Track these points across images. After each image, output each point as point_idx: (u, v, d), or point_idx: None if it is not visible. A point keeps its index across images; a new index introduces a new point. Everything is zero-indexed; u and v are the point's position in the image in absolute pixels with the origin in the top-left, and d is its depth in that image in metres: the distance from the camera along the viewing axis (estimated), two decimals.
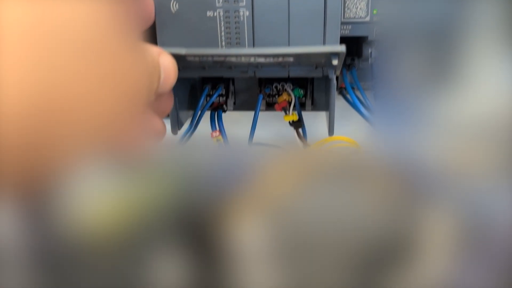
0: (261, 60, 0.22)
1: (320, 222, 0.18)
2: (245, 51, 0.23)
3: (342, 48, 0.21)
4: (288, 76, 0.26)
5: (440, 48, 0.23)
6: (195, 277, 0.17)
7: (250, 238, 0.17)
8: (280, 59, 0.22)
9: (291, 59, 0.23)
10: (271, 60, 0.23)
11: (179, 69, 0.26)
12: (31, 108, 0.11)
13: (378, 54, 0.29)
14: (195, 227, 0.17)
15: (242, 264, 0.17)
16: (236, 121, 0.36)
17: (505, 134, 0.19)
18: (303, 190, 0.21)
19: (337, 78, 0.27)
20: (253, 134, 0.31)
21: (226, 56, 0.22)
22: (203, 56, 0.22)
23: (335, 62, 0.21)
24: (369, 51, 0.30)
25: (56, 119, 0.12)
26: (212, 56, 0.22)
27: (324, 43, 0.24)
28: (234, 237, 0.17)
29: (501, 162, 0.18)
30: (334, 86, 0.25)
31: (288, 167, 0.20)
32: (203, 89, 0.31)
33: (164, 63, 0.20)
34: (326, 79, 0.31)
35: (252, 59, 0.22)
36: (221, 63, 0.24)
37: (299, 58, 0.23)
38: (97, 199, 0.16)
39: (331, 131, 0.27)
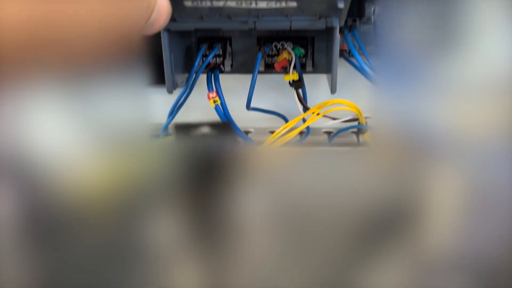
0: (263, 5, 0.21)
1: (321, 189, 0.18)
2: None
3: None
4: (290, 27, 0.24)
5: (446, 7, 0.23)
6: (191, 242, 0.16)
7: (248, 205, 0.16)
8: (283, 4, 0.21)
9: (294, 4, 0.21)
10: (273, 5, 0.21)
11: (175, 20, 0.25)
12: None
13: (382, 11, 0.28)
14: (192, 193, 0.16)
15: (240, 230, 0.16)
16: (234, 84, 0.34)
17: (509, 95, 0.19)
18: (304, 157, 0.20)
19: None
20: (251, 96, 0.29)
21: (220, 11, 0.21)
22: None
23: (341, 5, 0.20)
24: (372, 9, 0.29)
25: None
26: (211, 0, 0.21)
27: None
28: (232, 204, 0.16)
29: (506, 123, 0.18)
30: (337, 38, 0.24)
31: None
32: (199, 48, 0.29)
33: (160, 3, 0.19)
34: (327, 38, 0.30)
35: (253, 4, 0.21)
36: (220, 9, 0.23)
37: (302, 4, 0.22)
38: (89, 163, 0.15)
39: (333, 89, 0.26)
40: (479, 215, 0.17)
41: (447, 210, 0.17)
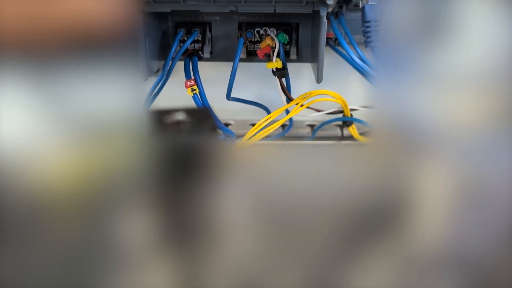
0: None
1: (304, 185, 0.17)
2: None
3: None
4: (275, 11, 0.23)
5: None
6: (166, 240, 0.15)
7: (227, 202, 0.16)
8: None
9: None
10: None
11: (150, 2, 0.23)
12: None
13: None
14: (167, 188, 0.16)
15: (218, 228, 0.15)
16: (213, 73, 0.33)
17: (503, 85, 0.18)
18: (288, 152, 0.19)
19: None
20: (231, 85, 0.28)
21: None
22: None
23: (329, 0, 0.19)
24: None
25: None
26: None
27: None
28: (210, 201, 0.15)
29: (499, 114, 0.17)
30: (325, 24, 0.22)
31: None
32: (176, 33, 0.27)
33: None
34: (313, 25, 0.28)
35: None
36: None
37: None
38: (58, 155, 0.14)
39: (319, 78, 0.24)
40: (470, 211, 0.17)
41: (436, 206, 0.16)
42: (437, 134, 0.17)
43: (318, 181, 0.18)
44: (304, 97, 0.28)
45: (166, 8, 0.23)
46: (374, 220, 0.17)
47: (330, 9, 0.21)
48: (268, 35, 0.27)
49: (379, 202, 0.18)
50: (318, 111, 0.31)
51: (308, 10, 0.22)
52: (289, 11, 0.23)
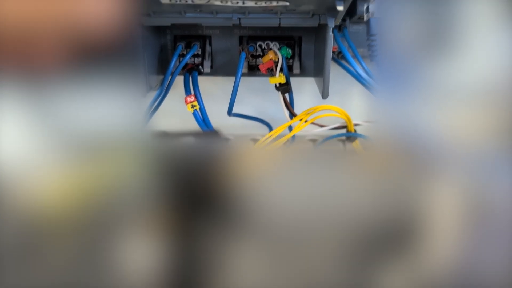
0: (251, 3, 0.19)
1: (310, 207, 0.16)
2: None
3: None
4: (279, 25, 0.22)
5: (440, 10, 0.21)
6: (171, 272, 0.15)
7: (234, 227, 0.15)
8: (274, 3, 0.19)
9: (286, 3, 0.19)
10: (262, 3, 0.19)
11: (149, 15, 0.22)
12: None
13: (377, 8, 0.25)
14: (173, 214, 0.15)
15: (224, 258, 0.15)
16: (214, 87, 0.32)
17: (506, 100, 0.17)
18: (290, 168, 0.19)
19: None
20: (233, 101, 0.27)
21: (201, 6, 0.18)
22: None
23: (340, 7, 0.18)
24: (365, 6, 0.26)
25: None
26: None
27: None
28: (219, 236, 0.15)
29: (502, 129, 0.17)
30: (331, 38, 0.21)
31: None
32: (176, 47, 0.27)
33: None
34: (316, 38, 0.27)
35: (239, 3, 0.18)
36: (201, 6, 0.20)
37: (296, 2, 0.19)
38: (54, 173, 0.14)
39: (325, 94, 0.23)
40: (479, 231, 0.16)
41: (444, 225, 0.16)
42: (442, 149, 0.17)
43: (322, 197, 0.17)
44: (308, 112, 0.27)
45: (166, 22, 0.22)
46: (381, 240, 0.17)
47: (338, 20, 0.20)
48: (271, 49, 0.26)
49: (387, 221, 0.17)
50: (321, 126, 0.30)
51: (314, 23, 0.22)
52: (294, 25, 0.22)
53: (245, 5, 0.19)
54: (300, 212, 0.17)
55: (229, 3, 0.19)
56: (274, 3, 0.19)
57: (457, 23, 0.21)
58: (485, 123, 0.17)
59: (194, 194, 0.15)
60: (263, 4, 0.19)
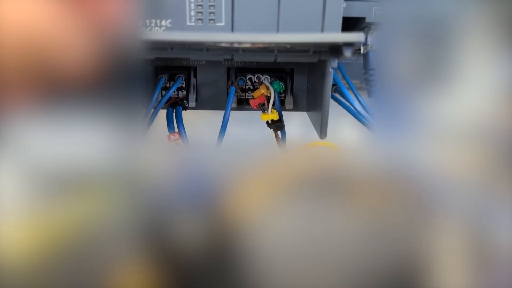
0: (247, 45, 0.17)
1: (304, 250, 0.15)
2: (227, 37, 0.17)
3: (359, 37, 0.16)
4: (275, 60, 0.20)
5: (438, 45, 0.20)
6: None
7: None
8: (273, 45, 0.17)
9: (287, 45, 0.17)
10: (260, 45, 0.17)
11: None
12: None
13: (375, 42, 0.24)
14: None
15: None
16: (199, 120, 0.29)
17: (500, 137, 0.17)
18: (281, 208, 0.17)
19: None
20: (222, 137, 0.25)
21: (199, 43, 0.17)
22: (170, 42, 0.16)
23: (348, 53, 0.16)
24: (363, 38, 0.25)
25: None
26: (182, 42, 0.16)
27: (323, 18, 0.18)
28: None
29: (497, 166, 0.17)
30: (331, 74, 0.20)
31: (263, 178, 0.18)
32: (158, 80, 0.24)
33: None
34: (310, 71, 0.26)
35: (236, 44, 0.17)
36: (190, 44, 0.18)
37: (298, 44, 0.17)
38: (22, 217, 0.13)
39: (323, 133, 0.21)
40: (482, 270, 0.15)
41: (448, 266, 0.15)
42: (439, 186, 0.16)
43: (319, 241, 0.17)
44: (302, 149, 0.25)
45: (150, 56, 0.20)
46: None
47: (340, 60, 0.19)
48: (262, 83, 0.24)
49: (388, 265, 0.16)
50: None
51: (313, 60, 0.20)
52: (292, 61, 0.20)
53: (241, 46, 0.17)
54: (298, 260, 0.16)
55: (223, 44, 0.17)
56: (273, 45, 0.17)
57: (452, 59, 0.20)
58: (481, 160, 0.17)
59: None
60: (261, 45, 0.17)
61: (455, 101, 0.20)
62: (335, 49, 0.17)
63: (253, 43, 0.16)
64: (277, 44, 0.17)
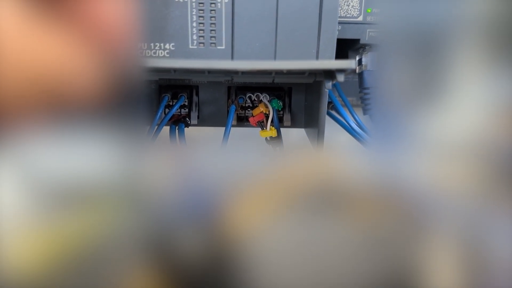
0: (246, 70, 0.18)
1: (302, 263, 0.16)
2: (227, 65, 0.18)
3: (351, 64, 0.17)
4: (273, 81, 0.21)
5: (432, 62, 0.21)
6: None
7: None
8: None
9: (284, 71, 0.18)
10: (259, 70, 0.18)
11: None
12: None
13: (370, 61, 0.25)
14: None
15: None
16: (201, 136, 0.30)
17: (495, 152, 0.17)
18: (280, 220, 0.17)
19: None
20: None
21: (195, 70, 0.18)
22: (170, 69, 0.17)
23: (340, 78, 0.17)
24: (357, 59, 0.26)
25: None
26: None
27: (318, 42, 0.19)
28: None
29: (492, 182, 0.17)
30: (326, 93, 0.21)
31: (263, 192, 0.18)
32: (162, 98, 0.25)
33: None
34: (307, 90, 0.27)
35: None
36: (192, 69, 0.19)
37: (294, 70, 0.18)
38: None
39: (319, 148, 0.22)
40: (476, 283, 0.15)
41: (442, 278, 0.15)
42: (435, 203, 0.16)
43: (316, 257, 0.17)
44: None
45: (155, 77, 0.21)
46: None
47: (334, 82, 0.20)
48: (261, 101, 0.25)
49: (386, 280, 0.17)
50: None
51: (309, 80, 0.21)
52: (288, 81, 0.21)
53: (240, 69, 0.18)
54: (297, 272, 0.16)
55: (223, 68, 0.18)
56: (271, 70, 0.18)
57: (447, 76, 0.21)
58: (476, 175, 0.17)
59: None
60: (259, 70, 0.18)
61: (449, 118, 0.20)
62: (329, 73, 0.18)
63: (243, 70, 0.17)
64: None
